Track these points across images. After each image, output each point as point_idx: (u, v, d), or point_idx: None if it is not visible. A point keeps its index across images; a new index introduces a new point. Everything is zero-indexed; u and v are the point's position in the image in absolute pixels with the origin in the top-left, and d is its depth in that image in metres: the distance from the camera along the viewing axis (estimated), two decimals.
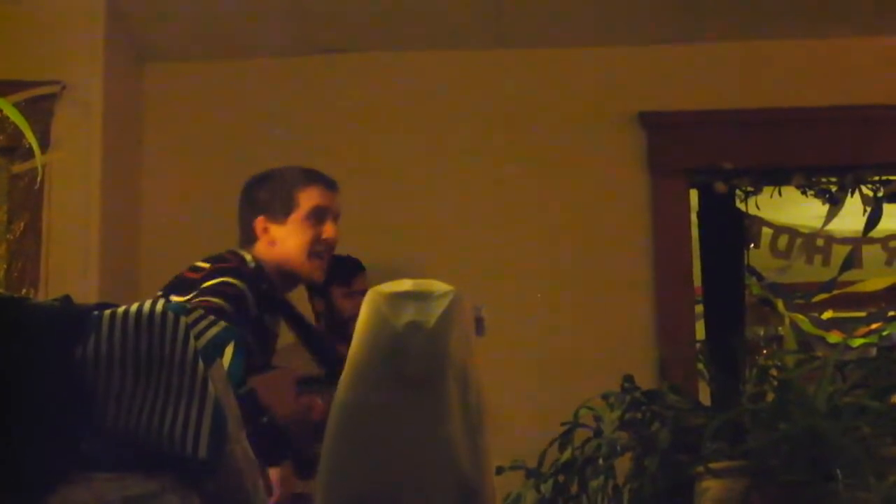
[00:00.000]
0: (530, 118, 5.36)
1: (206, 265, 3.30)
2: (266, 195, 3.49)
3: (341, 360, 3.47)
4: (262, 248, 3.45)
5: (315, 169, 3.56)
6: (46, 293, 4.64)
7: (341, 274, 4.30)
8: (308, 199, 3.46)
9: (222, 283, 3.20)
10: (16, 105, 3.87)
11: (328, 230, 3.46)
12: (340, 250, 4.58)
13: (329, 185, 3.53)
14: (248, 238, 3.48)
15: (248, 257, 3.39)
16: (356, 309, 4.41)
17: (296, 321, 3.66)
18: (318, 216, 3.46)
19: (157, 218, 5.32)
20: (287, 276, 3.47)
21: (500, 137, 5.34)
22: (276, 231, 3.44)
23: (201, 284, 3.21)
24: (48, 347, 1.97)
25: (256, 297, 3.27)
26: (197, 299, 3.12)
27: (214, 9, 5.09)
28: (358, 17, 5.18)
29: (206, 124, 5.41)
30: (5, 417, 1.90)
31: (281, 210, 3.45)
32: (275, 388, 3.20)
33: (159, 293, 3.34)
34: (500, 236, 5.25)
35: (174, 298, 3.22)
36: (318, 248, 3.45)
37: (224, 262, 3.32)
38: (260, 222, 3.46)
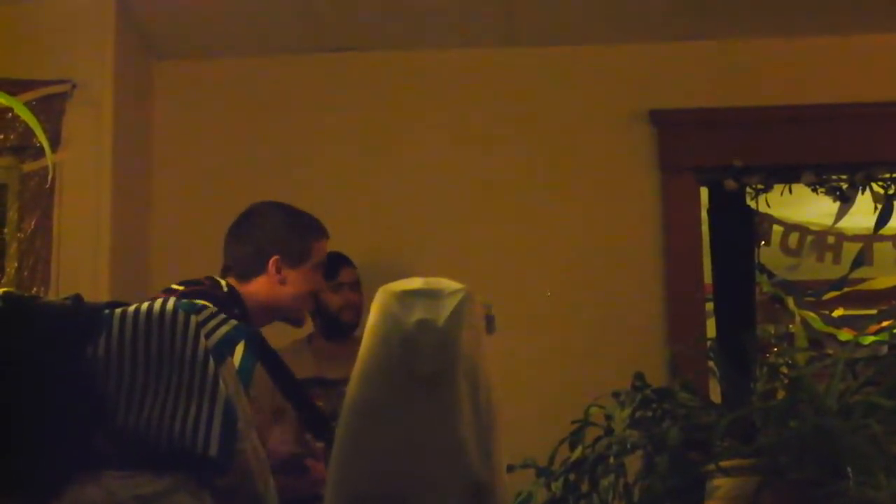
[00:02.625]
0: (540, 116, 5.35)
1: (180, 287, 3.37)
2: (283, 237, 3.63)
3: (322, 419, 3.61)
4: (265, 282, 3.57)
5: (316, 218, 3.76)
6: (57, 292, 4.64)
7: (326, 269, 4.36)
8: (318, 252, 3.67)
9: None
10: (27, 104, 3.87)
11: (322, 282, 3.75)
12: (346, 248, 4.60)
13: (328, 238, 3.76)
14: (252, 268, 3.58)
15: (223, 283, 3.49)
16: (344, 301, 4.57)
17: (272, 362, 3.73)
18: (320, 268, 3.68)
19: (168, 216, 5.32)
20: (271, 312, 3.60)
21: (510, 136, 5.34)
22: (289, 274, 3.59)
23: None
24: (59, 346, 1.98)
25: None
26: None
27: (224, 7, 5.09)
28: (367, 16, 5.18)
29: (217, 122, 5.41)
30: (18, 416, 1.91)
31: (297, 257, 3.61)
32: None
33: None
34: (511, 234, 5.24)
35: None
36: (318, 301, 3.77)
37: (197, 286, 3.40)
38: (275, 261, 3.57)
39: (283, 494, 3.04)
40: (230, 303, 3.40)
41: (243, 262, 3.59)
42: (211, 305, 3.10)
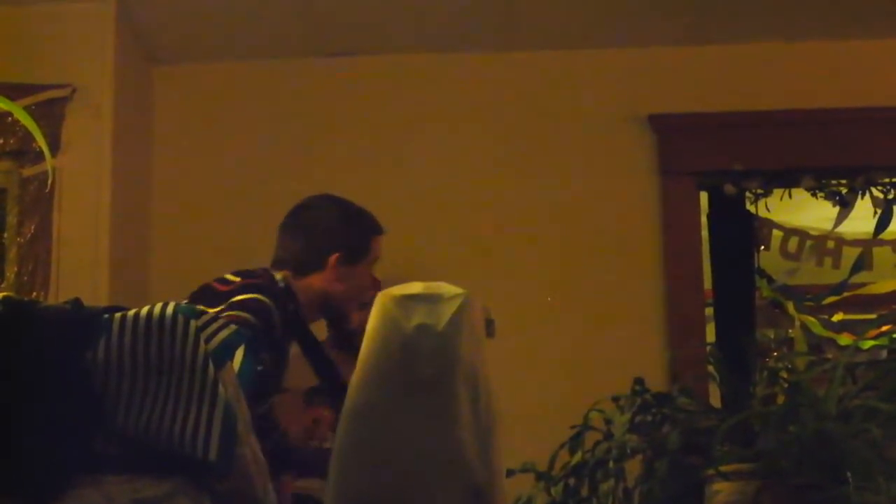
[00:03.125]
0: (540, 121, 5.35)
1: (237, 279, 3.34)
2: (345, 234, 3.61)
3: (344, 385, 3.54)
4: (323, 278, 3.53)
5: (372, 214, 3.70)
6: (57, 296, 4.65)
7: None
8: (376, 249, 3.65)
9: (252, 299, 3.24)
10: (26, 108, 3.87)
11: (374, 279, 3.65)
12: None
13: (383, 233, 3.70)
14: (309, 263, 3.54)
15: (279, 276, 3.44)
16: (365, 320, 4.27)
17: (309, 343, 3.68)
18: (374, 263, 3.66)
19: (167, 221, 5.32)
20: (323, 307, 3.57)
21: (509, 140, 5.34)
22: (345, 271, 3.55)
23: (230, 298, 3.25)
24: (59, 350, 1.98)
25: (282, 318, 3.31)
26: (226, 313, 3.14)
27: (224, 11, 5.09)
28: (366, 20, 5.18)
29: (216, 127, 5.41)
30: (17, 420, 1.91)
31: (357, 253, 3.58)
32: (286, 409, 3.24)
33: (184, 302, 3.36)
34: (510, 239, 5.25)
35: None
36: (367, 298, 3.54)
37: (254, 278, 3.36)
38: (335, 258, 3.54)
39: None
40: (286, 298, 3.38)
41: (299, 257, 3.55)
42: (255, 318, 3.15)
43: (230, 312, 3.14)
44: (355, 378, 2.17)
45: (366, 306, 3.50)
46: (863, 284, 5.75)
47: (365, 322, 4.20)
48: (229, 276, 3.37)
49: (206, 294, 3.33)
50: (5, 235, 4.83)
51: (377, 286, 3.60)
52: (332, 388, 3.50)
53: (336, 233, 3.59)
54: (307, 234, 3.59)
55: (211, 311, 3.11)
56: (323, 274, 3.52)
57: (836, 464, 2.15)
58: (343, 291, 3.54)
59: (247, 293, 3.25)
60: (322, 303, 3.53)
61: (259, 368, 3.05)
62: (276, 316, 3.27)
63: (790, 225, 5.44)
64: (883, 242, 5.40)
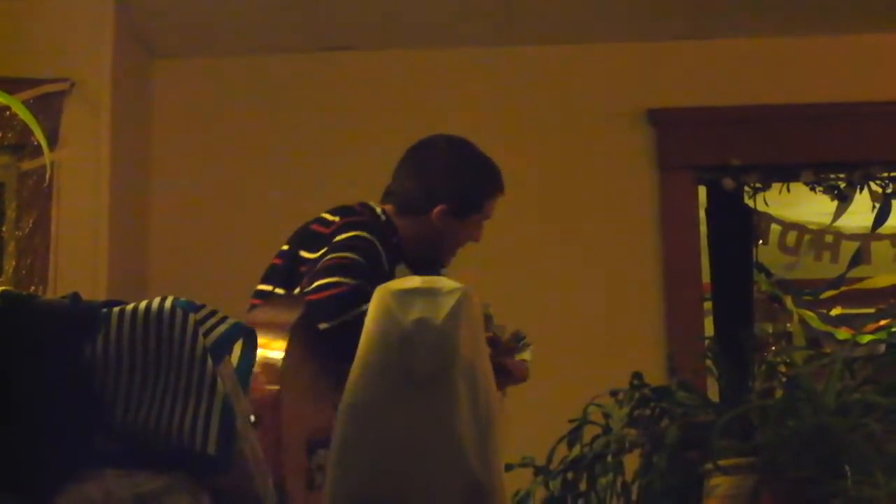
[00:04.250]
0: (539, 115, 5.35)
1: (335, 218, 3.29)
2: (458, 189, 3.47)
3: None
4: (424, 223, 3.44)
5: (497, 168, 3.57)
6: (55, 291, 4.64)
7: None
8: (489, 207, 3.53)
9: (355, 237, 3.19)
10: (25, 103, 3.87)
11: (480, 233, 3.56)
12: None
13: (503, 191, 3.58)
14: (414, 206, 3.46)
15: (379, 210, 3.40)
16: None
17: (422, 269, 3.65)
18: (484, 220, 3.54)
19: (166, 215, 5.32)
20: (421, 249, 3.46)
21: (508, 135, 5.33)
22: (454, 223, 3.46)
23: (332, 239, 3.20)
24: (57, 345, 1.98)
25: (387, 251, 3.27)
26: (329, 255, 3.12)
27: (223, 6, 5.09)
28: (365, 15, 5.18)
29: (215, 121, 5.41)
30: (16, 415, 1.91)
31: (467, 209, 3.47)
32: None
33: (285, 247, 3.34)
34: (508, 233, 5.23)
35: (302, 253, 3.25)
36: (462, 244, 3.52)
37: (354, 215, 3.31)
38: (442, 210, 3.44)
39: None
40: (389, 231, 3.33)
41: (408, 197, 3.46)
42: (360, 257, 3.11)
43: (333, 255, 3.11)
44: (353, 372, 2.17)
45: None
46: (861, 279, 5.76)
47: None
48: (327, 216, 3.31)
49: (306, 237, 3.30)
50: (4, 229, 4.83)
51: (477, 238, 3.54)
52: None
53: (448, 183, 3.47)
54: (418, 177, 3.49)
55: (314, 255, 3.13)
56: (426, 219, 3.44)
57: (835, 458, 2.15)
58: (442, 241, 3.46)
59: (347, 231, 3.20)
60: (420, 245, 3.43)
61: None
62: (381, 251, 3.22)
63: (789, 219, 5.44)
64: (881, 237, 5.41)
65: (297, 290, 3.20)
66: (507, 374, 3.41)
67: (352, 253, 3.12)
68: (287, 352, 2.93)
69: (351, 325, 2.90)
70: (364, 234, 3.21)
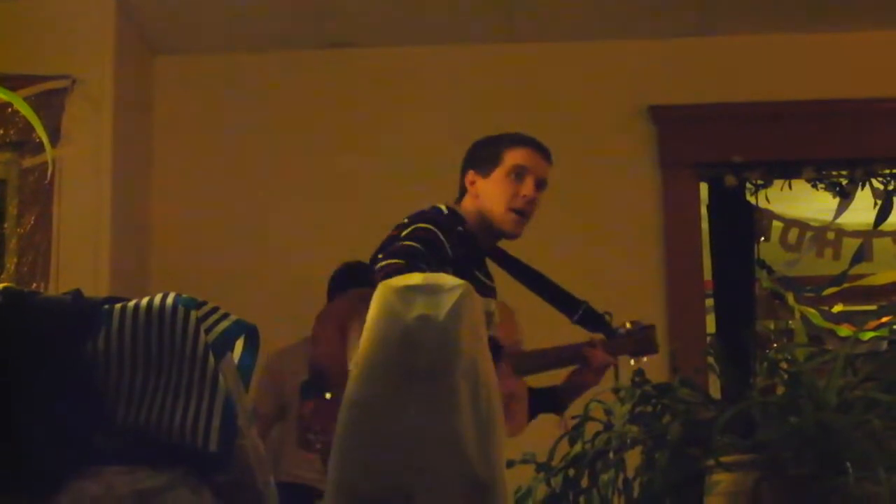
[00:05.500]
0: (540, 112, 5.34)
1: (406, 220, 3.45)
2: (479, 151, 3.65)
3: (572, 299, 3.71)
4: (468, 201, 3.59)
5: (533, 137, 3.70)
6: (57, 287, 4.65)
7: (352, 280, 4.26)
8: (512, 157, 3.60)
9: (416, 228, 3.36)
10: (26, 100, 3.86)
11: (527, 187, 3.58)
12: (342, 244, 4.59)
13: (538, 148, 3.68)
14: (461, 191, 3.62)
15: (443, 206, 3.54)
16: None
17: (513, 265, 3.80)
18: (518, 173, 3.58)
19: (168, 211, 5.32)
20: (488, 228, 3.58)
21: (510, 131, 5.32)
22: (481, 184, 3.57)
23: (399, 234, 3.36)
24: (59, 342, 1.98)
25: (452, 240, 3.40)
26: (392, 245, 3.29)
27: (224, 3, 5.09)
28: (367, 12, 5.18)
29: (216, 117, 5.41)
30: (17, 411, 1.91)
31: (487, 165, 3.59)
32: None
33: (378, 255, 3.45)
34: None
35: (379, 255, 3.36)
36: (515, 204, 3.57)
37: (421, 214, 3.46)
38: (469, 175, 3.60)
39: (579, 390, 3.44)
40: (452, 221, 3.47)
41: (459, 185, 3.64)
42: (418, 244, 3.26)
43: (396, 244, 3.28)
44: (355, 369, 2.17)
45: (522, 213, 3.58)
46: (863, 275, 5.75)
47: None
48: (403, 221, 3.46)
49: (387, 242, 3.42)
50: (5, 226, 4.83)
51: (526, 195, 3.58)
52: (534, 286, 3.74)
53: (470, 154, 3.66)
54: (462, 167, 3.66)
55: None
56: (468, 195, 3.59)
57: (836, 455, 2.15)
58: (487, 208, 3.56)
59: (411, 225, 3.38)
60: (482, 224, 3.57)
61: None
62: (442, 238, 3.36)
63: (790, 216, 5.44)
64: (883, 233, 5.41)
65: None
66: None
67: (410, 241, 3.30)
68: None
69: None
70: (424, 224, 3.39)
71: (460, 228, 3.47)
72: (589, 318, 3.79)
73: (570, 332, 3.81)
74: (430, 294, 2.15)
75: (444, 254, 3.35)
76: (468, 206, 3.57)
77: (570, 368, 3.69)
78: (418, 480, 2.07)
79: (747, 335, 4.33)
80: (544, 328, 3.74)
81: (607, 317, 3.78)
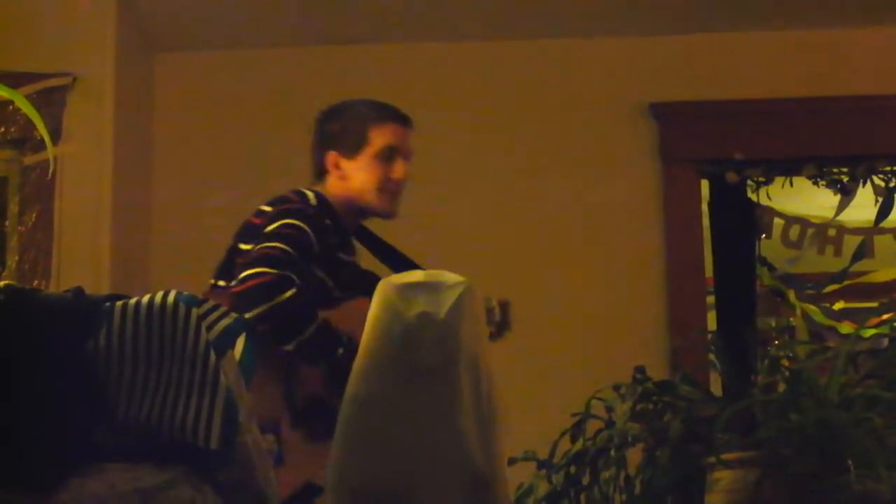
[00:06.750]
0: (541, 109, 5.35)
1: (270, 208, 3.32)
2: (338, 129, 3.49)
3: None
4: (333, 183, 3.45)
5: (389, 104, 3.56)
6: (58, 285, 4.65)
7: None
8: (380, 137, 3.47)
9: (283, 225, 3.22)
10: (27, 97, 3.86)
11: (398, 170, 3.48)
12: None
13: (402, 121, 3.54)
14: (320, 171, 3.48)
15: (310, 195, 3.38)
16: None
17: (373, 243, 3.66)
18: (388, 155, 3.46)
19: (169, 209, 5.32)
20: (357, 210, 3.47)
21: (510, 129, 5.33)
22: (347, 166, 3.44)
23: (264, 229, 3.23)
24: (60, 339, 1.98)
25: (321, 234, 3.28)
26: (259, 246, 3.16)
27: (225, 0, 5.09)
28: (367, 9, 5.18)
29: (218, 114, 5.41)
30: (19, 409, 1.91)
31: (352, 146, 3.45)
32: (352, 316, 3.19)
33: (231, 242, 3.37)
34: (511, 227, 5.24)
35: (240, 245, 3.28)
36: (387, 186, 3.46)
37: (286, 203, 3.32)
38: (331, 157, 3.46)
39: None
40: (321, 213, 3.33)
41: (313, 168, 3.49)
42: (287, 246, 3.14)
43: (262, 245, 3.15)
44: (356, 367, 2.17)
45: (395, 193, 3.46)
46: (864, 273, 5.75)
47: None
48: (264, 207, 3.33)
49: (245, 229, 3.33)
50: (6, 224, 4.83)
51: (398, 177, 3.46)
52: (392, 262, 3.54)
53: (327, 132, 3.50)
54: (313, 141, 3.52)
55: (250, 246, 3.18)
56: (331, 177, 3.45)
57: (838, 452, 2.15)
58: (356, 187, 3.43)
59: (279, 220, 3.23)
60: (348, 206, 3.44)
61: (291, 295, 3.07)
62: (311, 236, 3.24)
63: (791, 213, 5.44)
64: (884, 231, 5.40)
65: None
66: None
67: (278, 242, 3.16)
68: None
69: (277, 313, 3.05)
70: (293, 220, 3.24)
71: (328, 221, 3.33)
72: None
73: None
74: (431, 291, 2.15)
75: (312, 252, 3.23)
76: (334, 189, 3.43)
77: None
78: (420, 477, 2.07)
79: (748, 332, 4.33)
80: None
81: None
